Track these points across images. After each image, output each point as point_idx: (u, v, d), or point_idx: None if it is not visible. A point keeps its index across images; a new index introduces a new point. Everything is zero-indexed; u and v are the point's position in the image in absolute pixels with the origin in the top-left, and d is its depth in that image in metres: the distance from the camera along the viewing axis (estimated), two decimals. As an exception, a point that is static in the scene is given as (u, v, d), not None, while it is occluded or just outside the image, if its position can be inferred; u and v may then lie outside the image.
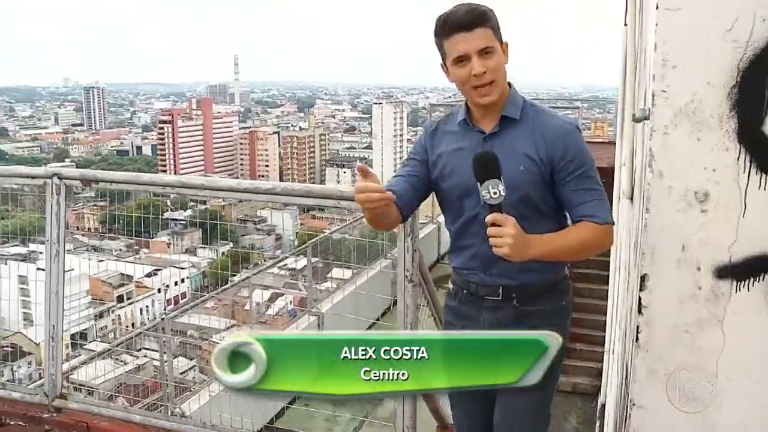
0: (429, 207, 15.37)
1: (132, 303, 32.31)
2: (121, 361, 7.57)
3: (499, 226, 1.92)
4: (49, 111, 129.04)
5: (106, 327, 27.28)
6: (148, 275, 34.40)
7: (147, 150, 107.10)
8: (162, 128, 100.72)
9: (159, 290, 32.70)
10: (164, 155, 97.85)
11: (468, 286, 2.30)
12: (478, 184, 1.92)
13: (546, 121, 2.17)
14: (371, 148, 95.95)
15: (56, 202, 3.42)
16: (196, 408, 4.86)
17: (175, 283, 33.26)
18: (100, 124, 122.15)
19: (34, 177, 3.58)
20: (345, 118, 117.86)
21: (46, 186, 3.45)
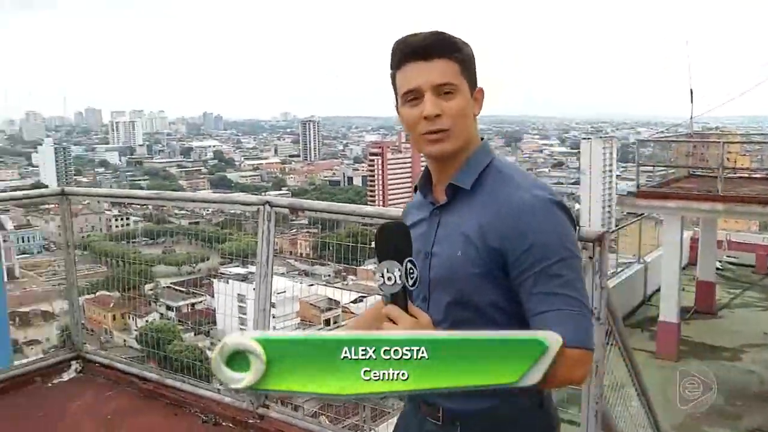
0: (635, 245, 14.89)
1: (338, 327, 33.59)
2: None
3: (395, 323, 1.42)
4: (269, 143, 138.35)
5: (314, 349, 28.49)
6: (354, 301, 35.61)
7: (357, 181, 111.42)
8: (372, 160, 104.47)
9: (363, 316, 33.75)
10: (373, 186, 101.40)
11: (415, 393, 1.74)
12: (375, 263, 1.45)
13: (505, 194, 1.59)
14: (578, 184, 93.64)
15: (267, 228, 3.74)
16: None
17: (379, 310, 34.13)
18: (314, 155, 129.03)
19: (249, 204, 3.96)
20: (552, 153, 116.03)
21: (259, 213, 3.78)
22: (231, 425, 3.90)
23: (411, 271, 1.42)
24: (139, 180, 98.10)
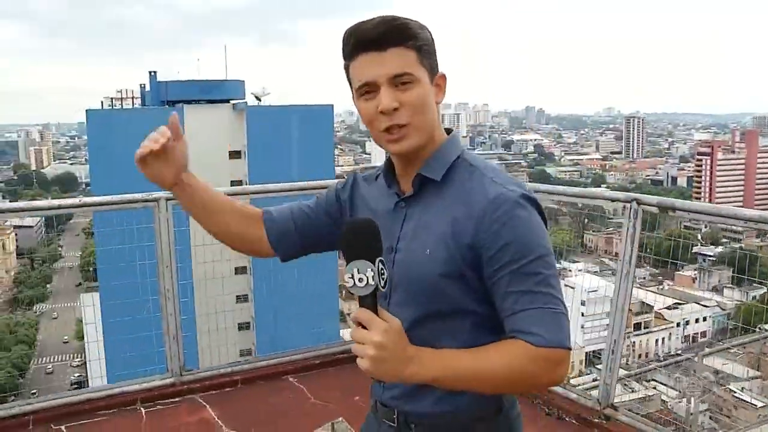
0: None
1: (649, 333, 32.04)
2: (629, 388, 7.63)
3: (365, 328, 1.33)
4: (591, 138, 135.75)
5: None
6: (669, 308, 33.76)
7: (682, 181, 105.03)
8: (700, 160, 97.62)
9: (678, 324, 31.90)
10: (699, 188, 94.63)
11: (374, 395, 1.69)
12: (344, 264, 1.34)
13: (479, 188, 1.47)
14: None
15: (632, 226, 3.61)
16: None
17: (696, 321, 31.94)
18: (637, 152, 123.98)
19: (615, 200, 3.86)
20: None
21: (625, 210, 3.66)
22: (574, 422, 3.86)
23: (382, 271, 1.32)
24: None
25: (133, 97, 38.42)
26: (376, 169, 1.72)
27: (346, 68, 1.54)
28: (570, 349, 1.41)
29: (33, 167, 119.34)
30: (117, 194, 4.22)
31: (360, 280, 1.31)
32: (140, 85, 37.58)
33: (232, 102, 35.04)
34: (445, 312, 1.50)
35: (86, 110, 33.38)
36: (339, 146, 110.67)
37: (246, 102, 35.62)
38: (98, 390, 4.23)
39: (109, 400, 4.11)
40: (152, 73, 36.39)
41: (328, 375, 4.59)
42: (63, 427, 3.84)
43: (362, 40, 1.48)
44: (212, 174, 31.66)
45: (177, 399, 4.21)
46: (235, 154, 33.92)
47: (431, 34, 1.53)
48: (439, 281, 1.47)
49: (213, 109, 34.11)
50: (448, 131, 1.60)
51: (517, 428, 1.62)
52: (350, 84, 1.55)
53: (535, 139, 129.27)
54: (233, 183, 33.08)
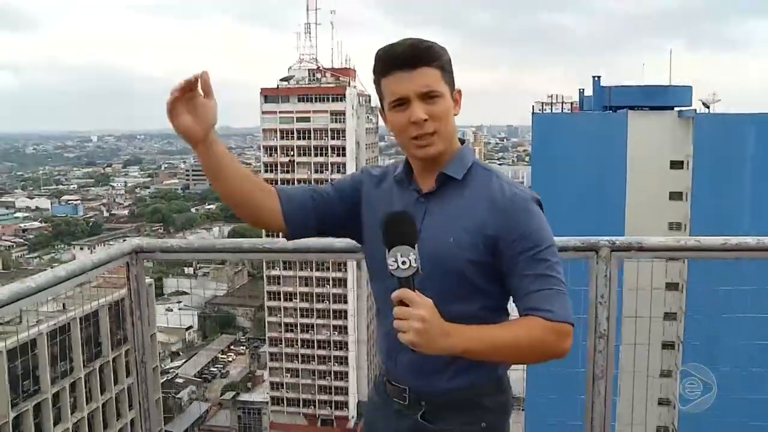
0: None
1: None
2: None
3: (407, 305, 1.54)
4: None
5: None
6: None
7: None
8: None
9: None
10: None
11: (382, 374, 1.92)
12: (386, 250, 1.55)
13: (496, 188, 1.75)
14: None
15: None
16: None
17: None
18: None
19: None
20: None
21: None
22: None
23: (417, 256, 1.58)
24: None
25: (563, 102, 38.26)
26: (381, 172, 1.92)
27: (377, 83, 1.77)
28: (572, 324, 1.65)
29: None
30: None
31: (403, 263, 1.54)
32: (579, 89, 37.52)
33: (677, 109, 33.24)
34: (462, 294, 1.72)
35: (532, 114, 34.47)
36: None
37: (695, 109, 33.53)
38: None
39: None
40: (596, 78, 36.13)
41: None
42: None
43: (395, 60, 1.71)
44: (650, 182, 30.46)
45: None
46: (676, 164, 32.10)
47: (449, 56, 1.76)
48: (465, 266, 1.71)
49: (657, 115, 32.77)
50: (461, 141, 1.84)
51: (511, 401, 1.86)
52: (380, 96, 1.79)
53: None
54: (672, 195, 31.52)
